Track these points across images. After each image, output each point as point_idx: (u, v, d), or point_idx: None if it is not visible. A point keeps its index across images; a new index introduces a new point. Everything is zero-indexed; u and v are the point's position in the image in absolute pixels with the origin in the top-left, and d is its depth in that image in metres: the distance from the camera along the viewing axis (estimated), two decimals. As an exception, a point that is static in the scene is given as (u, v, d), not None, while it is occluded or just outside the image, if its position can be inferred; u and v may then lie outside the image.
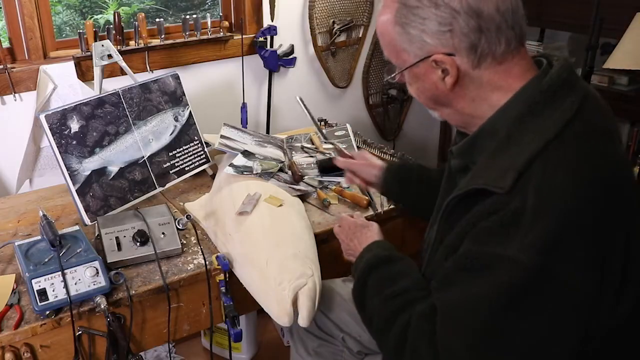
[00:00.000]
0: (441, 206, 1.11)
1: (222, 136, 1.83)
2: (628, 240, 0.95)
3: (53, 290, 1.23)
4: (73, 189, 1.52)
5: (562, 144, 0.94)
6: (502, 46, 0.99)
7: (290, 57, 2.41)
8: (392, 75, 1.12)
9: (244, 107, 2.35)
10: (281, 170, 1.76)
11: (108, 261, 1.37)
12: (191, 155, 1.80)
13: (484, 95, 1.03)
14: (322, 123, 2.20)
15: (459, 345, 0.96)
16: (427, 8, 0.98)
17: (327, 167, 1.82)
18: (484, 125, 1.04)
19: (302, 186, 1.71)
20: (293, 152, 1.92)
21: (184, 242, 1.49)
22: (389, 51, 1.08)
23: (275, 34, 2.35)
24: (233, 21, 2.38)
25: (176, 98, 1.78)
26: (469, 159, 1.09)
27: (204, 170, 1.85)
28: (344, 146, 1.95)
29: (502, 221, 0.93)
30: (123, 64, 1.92)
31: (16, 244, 1.35)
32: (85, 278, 1.26)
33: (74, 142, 1.54)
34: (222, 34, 2.25)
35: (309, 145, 1.97)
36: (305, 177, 1.77)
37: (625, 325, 0.99)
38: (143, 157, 1.68)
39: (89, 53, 1.93)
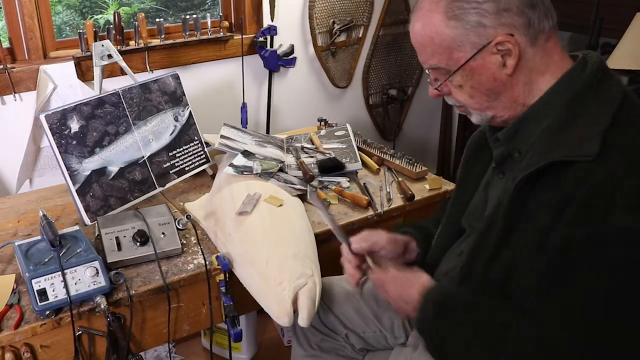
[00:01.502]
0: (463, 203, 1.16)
1: (222, 136, 1.83)
2: None
3: (53, 290, 1.23)
4: (73, 189, 1.53)
5: (629, 113, 0.98)
6: (550, 21, 1.04)
7: (290, 57, 2.41)
8: (441, 83, 1.09)
9: (244, 107, 2.35)
10: (281, 170, 1.76)
11: (108, 261, 1.37)
12: (191, 155, 1.80)
13: (535, 79, 1.05)
14: (322, 123, 2.20)
15: (599, 338, 0.92)
16: None
17: (327, 167, 1.82)
18: (530, 110, 1.06)
19: (301, 186, 1.71)
20: (292, 153, 1.92)
21: (184, 242, 1.49)
22: (439, 56, 1.06)
23: (275, 34, 2.35)
24: (233, 21, 2.38)
25: (176, 98, 1.78)
26: (511, 145, 1.10)
27: (204, 170, 1.85)
28: (344, 146, 1.96)
29: (595, 192, 0.91)
30: (123, 64, 1.92)
31: (16, 244, 1.35)
32: (85, 278, 1.26)
33: (74, 142, 1.54)
34: (222, 34, 2.25)
35: (308, 146, 1.97)
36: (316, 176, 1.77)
37: None
38: (143, 157, 1.68)
39: (89, 53, 1.93)
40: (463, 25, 1.01)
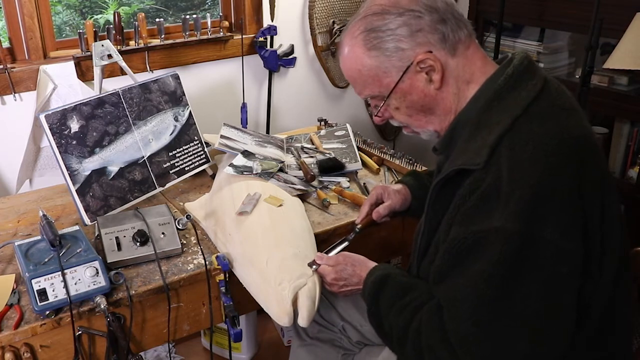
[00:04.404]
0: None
1: (222, 136, 1.83)
2: (603, 210, 0.99)
3: (53, 290, 1.23)
4: (73, 189, 1.53)
5: (529, 119, 1.01)
6: (464, 30, 1.09)
7: (290, 57, 2.41)
8: (380, 108, 1.16)
9: (244, 107, 2.35)
10: (281, 170, 1.76)
11: (108, 261, 1.37)
12: (191, 155, 1.80)
13: (463, 87, 1.10)
14: (322, 123, 2.20)
15: (467, 326, 0.98)
16: (392, 19, 1.06)
17: (327, 167, 1.82)
18: (458, 118, 1.11)
19: (301, 186, 1.71)
20: (293, 153, 1.92)
21: (184, 242, 1.49)
22: (370, 85, 1.13)
23: (275, 34, 2.35)
24: (233, 21, 2.38)
25: (176, 98, 1.79)
26: (447, 153, 1.15)
27: (204, 170, 1.85)
28: (344, 146, 1.96)
29: (482, 196, 0.98)
30: (123, 64, 1.92)
31: (16, 244, 1.35)
32: (85, 278, 1.26)
33: (74, 142, 1.54)
34: (222, 34, 2.25)
35: (308, 146, 1.97)
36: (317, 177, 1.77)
37: (611, 299, 1.04)
38: (143, 157, 1.68)
39: (89, 53, 1.93)
40: (383, 52, 1.08)
